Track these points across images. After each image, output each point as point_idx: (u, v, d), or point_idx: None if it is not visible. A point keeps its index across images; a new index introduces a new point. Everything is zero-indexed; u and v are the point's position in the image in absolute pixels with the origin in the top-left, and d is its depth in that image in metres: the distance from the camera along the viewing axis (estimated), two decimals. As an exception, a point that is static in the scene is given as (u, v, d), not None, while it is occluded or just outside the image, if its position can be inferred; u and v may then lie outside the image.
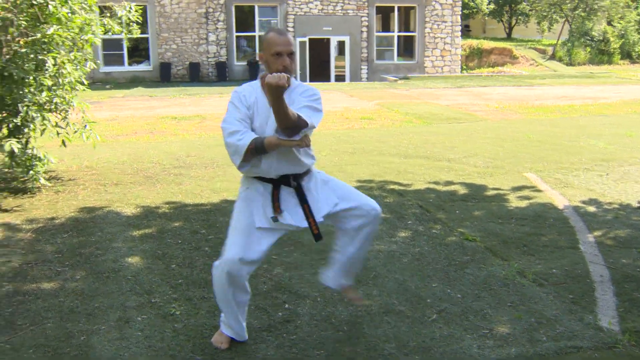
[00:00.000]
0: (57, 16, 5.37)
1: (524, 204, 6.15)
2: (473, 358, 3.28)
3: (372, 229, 3.43)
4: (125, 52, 24.29)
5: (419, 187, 6.77)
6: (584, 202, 6.22)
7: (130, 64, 24.71)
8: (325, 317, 3.73)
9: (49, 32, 5.36)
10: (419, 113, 13.11)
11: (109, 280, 4.22)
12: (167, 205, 6.04)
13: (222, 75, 24.71)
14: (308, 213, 3.19)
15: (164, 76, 24.12)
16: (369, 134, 10.40)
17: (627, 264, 4.59)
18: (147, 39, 24.59)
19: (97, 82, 22.80)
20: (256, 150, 3.01)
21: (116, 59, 24.23)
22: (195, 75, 24.43)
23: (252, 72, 24.61)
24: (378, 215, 3.42)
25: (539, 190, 6.66)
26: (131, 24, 7.75)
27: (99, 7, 7.54)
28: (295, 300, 3.94)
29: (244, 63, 25.32)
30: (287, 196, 3.19)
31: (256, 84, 3.18)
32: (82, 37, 6.47)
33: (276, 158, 3.09)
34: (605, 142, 9.62)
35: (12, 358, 3.25)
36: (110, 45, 23.17)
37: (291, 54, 3.03)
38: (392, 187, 6.76)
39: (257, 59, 3.09)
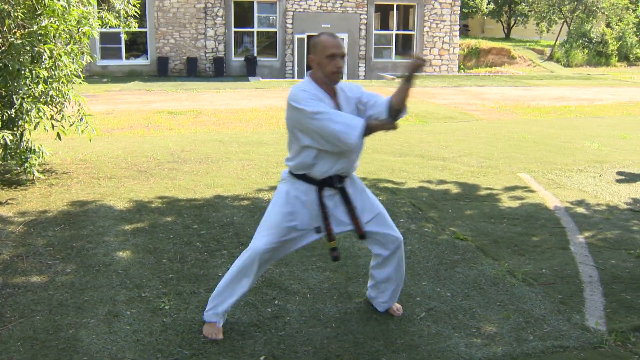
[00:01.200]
0: (52, 8, 5.35)
1: (516, 204, 6.16)
2: (460, 356, 3.30)
3: (399, 255, 3.53)
4: (122, 45, 24.24)
5: (412, 185, 6.77)
6: (576, 203, 6.23)
7: (127, 58, 24.65)
8: (314, 313, 3.74)
9: (43, 24, 5.34)
10: (415, 112, 13.12)
11: (99, 274, 4.22)
12: (160, 200, 6.04)
13: (219, 70, 24.67)
14: (353, 214, 3.30)
15: (162, 70, 24.06)
16: None
17: (616, 265, 4.61)
18: (145, 33, 24.54)
19: (94, 76, 22.76)
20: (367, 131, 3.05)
21: (114, 52, 24.17)
22: (192, 70, 24.38)
23: (250, 67, 24.59)
24: (400, 244, 3.51)
25: (532, 191, 6.68)
26: (129, 17, 7.74)
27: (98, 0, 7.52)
28: (285, 297, 3.95)
29: (242, 59, 25.28)
30: (328, 200, 3.28)
31: (309, 83, 3.18)
32: (79, 30, 6.45)
33: (336, 157, 3.17)
34: (600, 143, 9.65)
35: (-1, 350, 3.25)
36: (108, 39, 23.11)
37: (343, 56, 3.15)
38: (385, 185, 6.76)
39: (308, 61, 3.15)
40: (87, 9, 6.49)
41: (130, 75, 23.32)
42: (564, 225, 5.52)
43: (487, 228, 5.39)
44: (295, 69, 25.57)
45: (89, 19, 6.58)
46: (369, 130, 3.04)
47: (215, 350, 3.29)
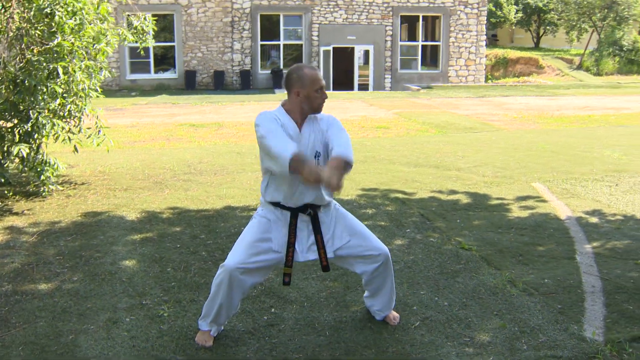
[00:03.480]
0: (63, 26, 5.54)
1: (525, 213, 6.12)
2: (449, 365, 3.31)
3: (385, 268, 3.57)
4: (151, 60, 24.73)
5: (423, 195, 6.78)
6: (587, 213, 6.17)
7: (156, 72, 25.12)
8: (310, 321, 3.79)
9: (55, 42, 5.53)
10: (435, 122, 13.10)
11: (104, 282, 4.34)
12: (171, 211, 6.16)
13: (246, 83, 24.97)
14: (320, 244, 3.37)
15: (189, 84, 24.46)
16: (382, 143, 10.44)
17: (621, 274, 4.55)
18: (173, 47, 25.00)
19: (123, 89, 23.25)
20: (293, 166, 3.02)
21: (143, 66, 24.68)
22: (219, 83, 24.73)
23: (276, 80, 24.83)
24: (387, 258, 3.54)
25: (544, 201, 6.63)
26: (145, 34, 7.93)
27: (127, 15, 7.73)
28: (282, 305, 4.00)
29: (268, 71, 25.55)
30: (302, 225, 3.37)
31: (280, 111, 3.29)
32: (95, 47, 6.64)
33: (302, 186, 3.25)
34: (621, 152, 9.51)
35: (1, 355, 3.37)
36: (137, 53, 23.53)
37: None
38: (395, 195, 6.78)
39: (291, 94, 3.22)
40: (103, 25, 6.66)
41: (159, 89, 23.75)
42: (573, 235, 5.47)
43: (493, 238, 5.37)
44: (321, 81, 25.68)
45: (106, 36, 6.76)
46: (294, 164, 2.98)
47: (208, 357, 3.36)
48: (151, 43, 8.08)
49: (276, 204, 3.36)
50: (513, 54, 33.03)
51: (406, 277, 4.48)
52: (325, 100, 3.31)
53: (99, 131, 6.88)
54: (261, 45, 25.69)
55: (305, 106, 3.25)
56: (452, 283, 4.39)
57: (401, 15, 26.15)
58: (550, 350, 3.47)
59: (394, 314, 3.81)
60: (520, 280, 4.42)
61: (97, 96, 7.04)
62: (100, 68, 7.09)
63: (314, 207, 3.36)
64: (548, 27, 41.10)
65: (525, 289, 4.27)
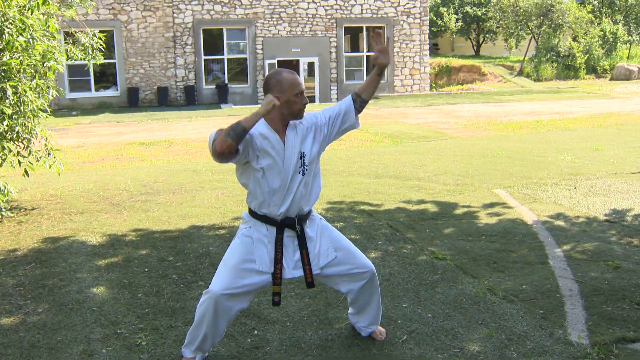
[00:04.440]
0: (12, 44, 5.31)
1: (493, 220, 6.21)
2: (444, 378, 3.28)
3: (371, 284, 3.52)
4: (91, 77, 24.12)
5: (389, 207, 6.79)
6: (552, 217, 6.30)
7: (97, 90, 24.52)
8: (295, 342, 3.71)
9: (4, 60, 5.30)
10: (388, 132, 13.22)
11: (72, 313, 4.14)
12: (134, 233, 5.97)
13: (191, 99, 24.65)
14: (306, 260, 3.29)
15: (132, 101, 23.97)
16: (338, 155, 10.44)
17: (596, 277, 4.65)
18: (114, 64, 24.47)
19: (63, 109, 22.57)
20: (234, 131, 2.96)
21: (82, 84, 24.03)
22: (163, 100, 24.34)
23: (221, 95, 24.62)
24: (373, 275, 3.50)
25: (509, 207, 6.74)
26: (94, 50, 7.72)
27: (65, 32, 7.49)
28: (265, 326, 3.91)
29: (213, 86, 25.31)
30: (287, 241, 3.29)
31: (259, 122, 3.20)
32: (44, 64, 6.40)
33: (292, 195, 3.20)
34: (573, 156, 9.80)
35: (-31, 397, 3.16)
36: (76, 71, 22.98)
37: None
38: (362, 207, 6.77)
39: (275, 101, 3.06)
40: (52, 43, 6.44)
41: (101, 107, 23.18)
42: (542, 239, 5.57)
43: (465, 246, 5.41)
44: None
45: (54, 53, 6.53)
46: (229, 132, 2.95)
47: (195, 386, 3.23)
48: (100, 60, 7.87)
49: (261, 217, 3.27)
50: (455, 62, 33.78)
51: (386, 290, 4.45)
52: (307, 105, 3.23)
53: (49, 154, 6.63)
54: (205, 59, 25.44)
55: (285, 111, 3.17)
56: (433, 294, 4.39)
57: (345, 27, 26.40)
58: (540, 356, 3.50)
59: (380, 329, 3.77)
60: (499, 287, 4.46)
61: (46, 117, 6.80)
62: (48, 87, 6.86)
63: (300, 220, 3.29)
64: (487, 35, 42.29)
65: (506, 296, 4.31)
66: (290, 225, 3.26)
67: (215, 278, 3.25)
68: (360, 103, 3.35)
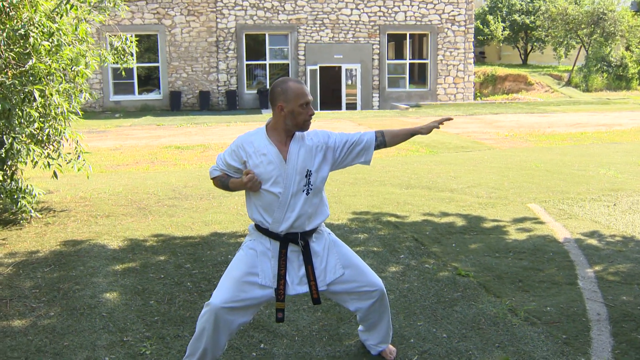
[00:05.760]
0: (37, 48, 5.37)
1: (523, 236, 5.99)
2: (452, 404, 3.13)
3: (380, 304, 3.40)
4: (135, 80, 24.59)
5: (416, 219, 6.64)
6: (586, 235, 6.05)
7: (140, 93, 24.97)
8: (302, 357, 3.61)
9: (29, 64, 5.36)
10: (425, 142, 13.03)
11: (82, 318, 4.13)
12: (155, 238, 5.97)
13: (232, 103, 24.88)
14: (311, 276, 3.19)
15: (174, 105, 24.33)
16: (373, 164, 10.14)
17: (627, 301, 4.41)
18: (157, 67, 24.89)
19: (107, 111, 23.04)
20: (222, 185, 3.27)
21: (126, 87, 24.53)
22: (205, 104, 24.62)
23: (263, 100, 24.76)
24: (382, 294, 3.38)
25: (541, 222, 6.50)
26: (126, 55, 7.80)
27: (108, 35, 7.59)
28: (272, 340, 3.82)
29: (255, 91, 25.49)
30: (292, 255, 3.20)
31: (258, 134, 3.18)
32: (73, 69, 6.48)
33: (295, 214, 3.13)
34: (616, 170, 9.44)
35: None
36: (121, 75, 23.44)
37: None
38: (388, 219, 6.64)
39: (275, 109, 3.12)
40: (82, 47, 6.51)
41: (143, 110, 23.59)
42: (573, 258, 5.34)
43: (491, 263, 5.22)
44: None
45: (85, 57, 6.60)
46: (217, 184, 3.32)
47: (193, 400, 3.16)
48: (132, 64, 7.95)
49: (264, 231, 3.19)
50: (501, 71, 33.23)
51: (402, 307, 4.32)
52: (312, 116, 3.12)
53: (79, 156, 6.70)
54: (247, 65, 25.65)
55: (289, 122, 3.07)
56: (450, 312, 4.23)
57: (388, 34, 26.25)
58: (558, 385, 3.31)
59: (391, 348, 3.64)
60: (522, 308, 4.27)
61: (77, 120, 6.88)
62: (80, 90, 6.94)
63: (304, 236, 3.20)
64: (535, 44, 41.48)
65: (528, 318, 4.12)
66: (293, 240, 3.17)
67: (217, 290, 3.18)
68: (379, 144, 3.25)
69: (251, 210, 3.21)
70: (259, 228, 3.21)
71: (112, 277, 4.91)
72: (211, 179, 3.30)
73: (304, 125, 3.10)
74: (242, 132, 3.35)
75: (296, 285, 3.22)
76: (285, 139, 3.12)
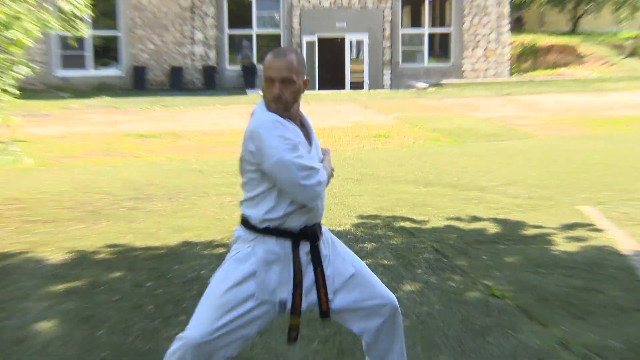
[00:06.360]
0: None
1: (574, 247, 5.95)
2: None
3: (392, 324, 3.29)
4: (90, 53, 24.49)
5: (437, 224, 6.65)
6: (657, 246, 6.00)
7: (96, 68, 24.88)
8: (291, 405, 3.48)
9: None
10: (449, 129, 13.14)
11: (7, 357, 4.00)
12: (109, 250, 5.93)
13: (210, 82, 24.89)
14: (321, 282, 3.11)
15: (138, 83, 24.32)
16: (382, 156, 10.42)
17: None
18: (117, 37, 24.81)
19: (52, 90, 22.90)
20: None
21: (77, 61, 24.43)
22: (177, 83, 24.62)
23: (248, 78, 24.69)
24: (395, 310, 3.28)
25: (598, 230, 6.50)
26: (76, 20, 7.67)
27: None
28: (254, 381, 3.70)
29: (239, 67, 25.42)
30: (304, 258, 3.11)
31: (277, 117, 3.04)
32: (4, 35, 6.35)
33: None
34: (690, 164, 9.46)
35: None
36: (70, 45, 23.34)
37: (285, 81, 3.00)
38: (402, 224, 6.65)
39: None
40: (16, 7, 6.37)
41: (99, 89, 23.48)
42: (641, 276, 5.29)
43: (533, 281, 5.15)
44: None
45: (20, 19, 6.47)
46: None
47: None
48: (85, 32, 7.84)
49: (270, 232, 3.05)
50: (544, 40, 33.30)
51: (419, 336, 4.22)
52: (281, 98, 2.99)
53: (11, 146, 6.59)
54: (229, 35, 25.61)
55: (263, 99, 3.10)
56: (482, 344, 4.13)
57: (403, -4, 26.24)
58: None
59: None
60: (576, 341, 4.15)
61: (12, 99, 6.79)
62: (13, 63, 6.81)
63: (315, 229, 3.13)
64: (589, 5, 41.24)
65: (585, 355, 4.00)
66: (311, 235, 3.08)
67: (194, 320, 3.03)
68: None
69: (277, 208, 3.05)
70: (259, 229, 3.08)
71: (50, 300, 4.81)
72: (325, 182, 3.09)
73: (270, 105, 3.00)
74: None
75: (307, 294, 3.12)
76: (299, 125, 3.14)
